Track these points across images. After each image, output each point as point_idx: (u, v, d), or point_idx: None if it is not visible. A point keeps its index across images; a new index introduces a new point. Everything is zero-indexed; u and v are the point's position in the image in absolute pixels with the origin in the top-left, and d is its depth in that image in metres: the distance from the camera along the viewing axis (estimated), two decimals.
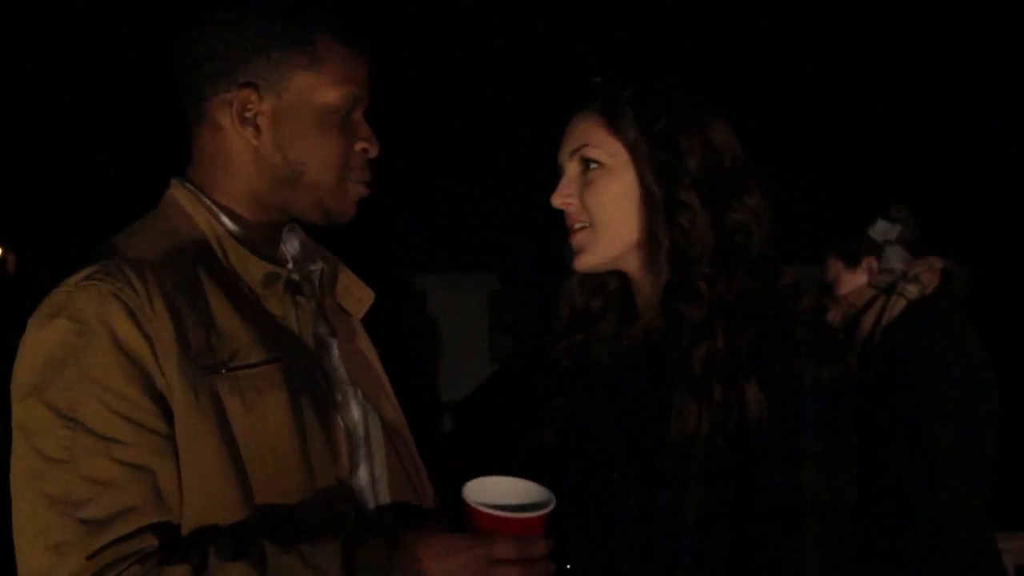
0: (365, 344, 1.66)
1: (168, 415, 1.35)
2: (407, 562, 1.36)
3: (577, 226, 1.70)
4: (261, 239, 1.53)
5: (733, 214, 1.65)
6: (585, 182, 1.69)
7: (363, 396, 1.58)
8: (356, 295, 1.65)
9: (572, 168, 1.70)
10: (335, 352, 1.57)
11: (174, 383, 1.35)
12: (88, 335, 1.33)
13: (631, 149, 1.66)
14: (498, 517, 1.40)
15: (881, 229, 2.66)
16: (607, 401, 1.70)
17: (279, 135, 1.48)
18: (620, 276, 1.77)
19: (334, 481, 1.45)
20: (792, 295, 1.64)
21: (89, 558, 1.28)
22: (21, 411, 1.35)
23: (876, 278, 2.64)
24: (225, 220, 1.50)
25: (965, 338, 2.57)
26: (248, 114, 1.47)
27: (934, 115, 6.14)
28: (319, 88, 1.47)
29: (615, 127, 1.67)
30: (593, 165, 1.68)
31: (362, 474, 1.53)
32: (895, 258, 2.65)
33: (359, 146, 1.52)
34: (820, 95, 5.95)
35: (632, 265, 1.71)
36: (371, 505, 1.53)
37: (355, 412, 1.55)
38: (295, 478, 1.41)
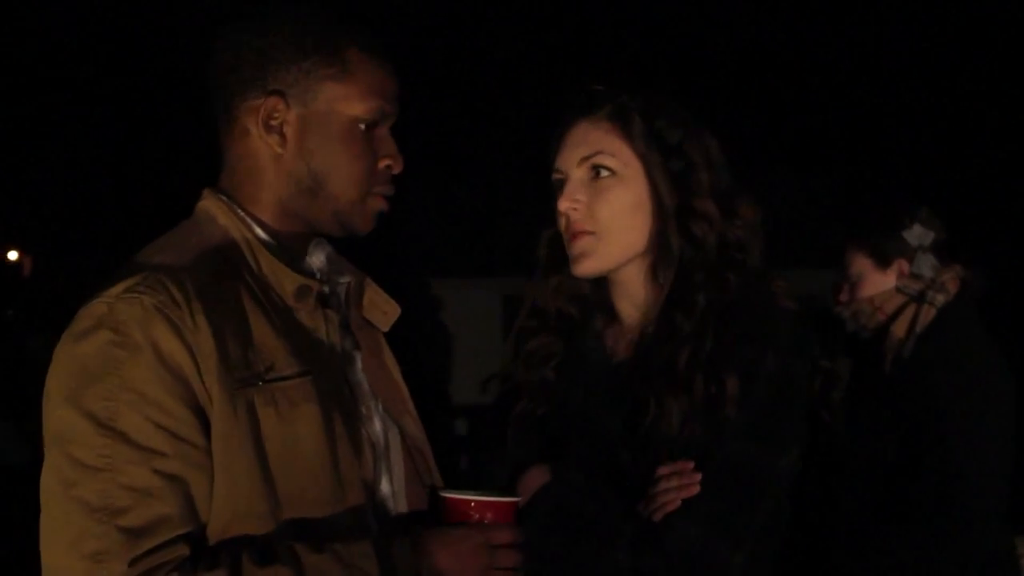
0: (388, 358, 1.67)
1: (206, 428, 1.36)
2: (427, 555, 1.42)
3: (580, 231, 1.70)
4: (291, 250, 1.53)
5: (733, 229, 1.69)
6: (595, 190, 1.69)
7: (384, 410, 1.58)
8: (382, 308, 1.65)
9: (579, 173, 1.70)
10: (359, 365, 1.58)
11: (214, 395, 1.36)
12: (130, 347, 1.34)
13: (644, 159, 1.68)
14: (488, 502, 1.50)
15: (917, 234, 2.65)
16: (604, 399, 1.72)
17: (303, 145, 1.48)
18: (597, 282, 1.77)
19: (360, 493, 1.47)
20: (781, 300, 1.70)
21: (130, 565, 1.29)
22: (57, 420, 1.36)
23: (905, 283, 2.62)
24: (258, 231, 1.50)
25: (991, 347, 2.57)
26: (274, 122, 1.48)
27: (952, 118, 6.12)
28: (347, 100, 1.48)
29: (628, 136, 1.68)
30: (605, 173, 1.69)
31: (384, 486, 1.54)
32: (926, 265, 2.64)
33: (383, 162, 1.52)
34: (834, 97, 5.94)
35: (631, 274, 1.73)
36: (391, 517, 1.54)
37: (377, 425, 1.56)
38: (323, 489, 1.42)
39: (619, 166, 1.68)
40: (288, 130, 1.48)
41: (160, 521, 1.31)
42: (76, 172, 7.33)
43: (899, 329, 2.61)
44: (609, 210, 1.67)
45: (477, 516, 1.48)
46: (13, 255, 12.78)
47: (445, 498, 1.51)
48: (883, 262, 2.68)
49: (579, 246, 1.70)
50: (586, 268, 1.70)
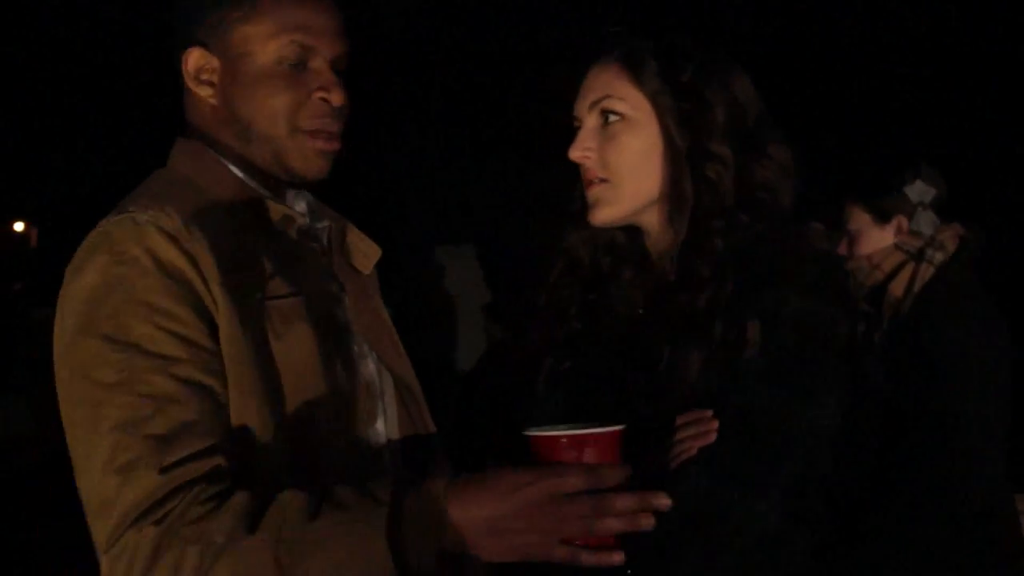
0: (376, 301, 1.67)
1: (214, 333, 1.36)
2: (457, 511, 1.23)
3: (595, 180, 1.66)
4: (268, 191, 1.54)
5: (760, 169, 1.62)
6: (606, 136, 1.65)
7: (378, 357, 1.58)
8: (363, 251, 1.66)
9: (591, 120, 1.66)
10: (347, 305, 1.58)
11: (220, 302, 1.36)
12: (129, 263, 1.35)
13: (654, 101, 1.63)
14: (571, 436, 1.23)
15: (918, 190, 2.61)
16: (625, 356, 1.67)
17: (227, 91, 1.50)
18: (630, 231, 1.74)
19: (358, 424, 1.47)
20: (812, 241, 1.62)
21: (161, 472, 1.27)
22: (72, 353, 1.35)
23: (904, 240, 2.60)
24: (233, 168, 1.52)
25: (989, 306, 2.55)
26: (204, 76, 1.51)
27: (946, 83, 6.07)
28: (258, 40, 1.49)
29: (638, 78, 1.63)
30: (614, 117, 1.64)
31: (379, 426, 1.54)
32: (926, 223, 2.61)
33: (317, 94, 1.51)
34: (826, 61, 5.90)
35: (650, 220, 1.68)
36: (386, 458, 1.53)
37: (371, 366, 1.56)
38: (323, 411, 1.42)
39: (628, 110, 1.63)
40: (214, 78, 1.51)
41: (184, 428, 1.30)
42: (82, 142, 7.32)
43: (897, 288, 2.58)
44: (619, 156, 1.63)
45: (570, 456, 1.22)
46: (19, 226, 12.80)
47: (530, 440, 1.27)
48: (882, 218, 2.65)
49: (593, 194, 1.66)
50: (601, 217, 1.66)
